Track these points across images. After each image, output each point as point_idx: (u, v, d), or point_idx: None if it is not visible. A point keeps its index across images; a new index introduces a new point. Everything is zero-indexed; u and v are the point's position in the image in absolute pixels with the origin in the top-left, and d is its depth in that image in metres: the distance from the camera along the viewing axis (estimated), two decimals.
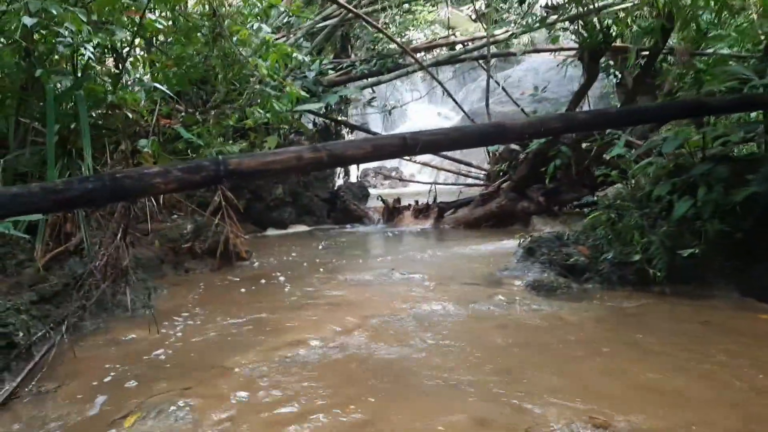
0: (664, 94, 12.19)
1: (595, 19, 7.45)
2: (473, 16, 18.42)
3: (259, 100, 5.93)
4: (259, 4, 5.29)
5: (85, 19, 3.67)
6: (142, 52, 5.65)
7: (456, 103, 9.87)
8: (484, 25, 10.69)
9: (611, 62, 11.85)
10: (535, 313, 3.81)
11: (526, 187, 7.93)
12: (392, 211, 9.04)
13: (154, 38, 5.62)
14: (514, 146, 8.03)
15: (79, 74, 4.40)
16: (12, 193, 2.30)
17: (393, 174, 17.55)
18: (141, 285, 4.31)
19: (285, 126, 7.05)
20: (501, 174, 8.35)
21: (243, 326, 3.65)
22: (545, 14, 12.04)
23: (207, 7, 5.29)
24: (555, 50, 9.80)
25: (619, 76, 12.02)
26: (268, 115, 6.00)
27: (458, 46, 12.28)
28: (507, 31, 9.99)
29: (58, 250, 3.80)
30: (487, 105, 9.13)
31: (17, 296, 3.33)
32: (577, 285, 4.61)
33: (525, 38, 10.67)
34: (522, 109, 11.80)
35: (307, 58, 8.93)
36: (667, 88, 12.26)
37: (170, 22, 5.46)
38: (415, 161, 14.33)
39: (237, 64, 5.42)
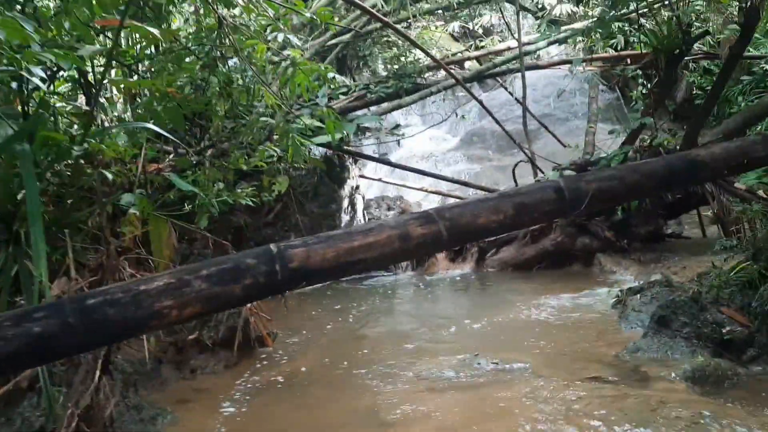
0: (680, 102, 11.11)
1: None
2: (454, 34, 17.39)
3: (269, 134, 4.64)
4: (270, 11, 4.00)
5: (32, 31, 2.34)
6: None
7: (497, 121, 8.56)
8: (514, 36, 9.57)
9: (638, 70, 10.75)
10: None
11: (588, 219, 6.67)
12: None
13: (137, 60, 4.33)
14: (568, 172, 6.77)
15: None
16: None
17: (397, 203, 16.25)
18: (134, 415, 2.95)
19: (299, 164, 5.76)
20: None
21: None
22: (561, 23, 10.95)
23: (207, 19, 4.01)
24: (592, 59, 8.63)
25: (643, 85, 10.92)
26: (284, 153, 4.70)
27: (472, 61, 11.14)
28: (531, 42, 8.82)
29: (4, 389, 2.43)
30: (524, 125, 7.89)
31: None
32: (744, 369, 3.32)
33: (550, 49, 9.50)
34: (545, 127, 10.58)
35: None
36: (682, 96, 11.19)
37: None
38: (426, 190, 13.06)
39: (245, 91, 4.12)
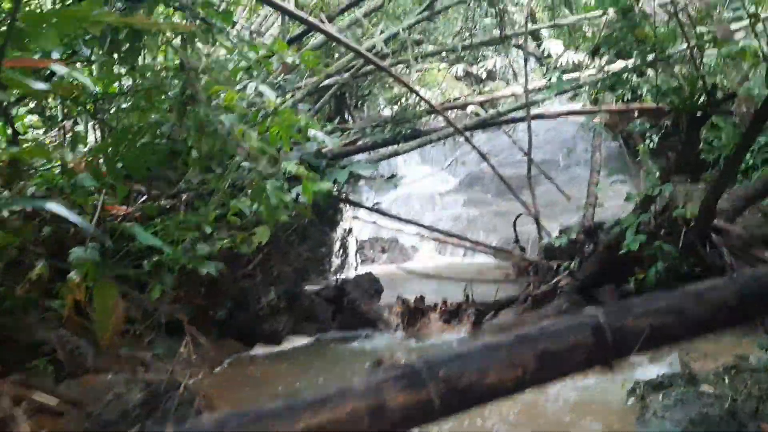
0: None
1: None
2: (459, 76, 17.05)
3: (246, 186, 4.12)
4: (252, 53, 3.52)
5: None
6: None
7: (497, 173, 8.11)
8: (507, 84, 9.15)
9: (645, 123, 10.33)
10: None
11: (596, 287, 6.13)
12: (413, 313, 7.14)
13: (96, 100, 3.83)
14: (577, 235, 6.26)
15: None
16: None
17: (392, 245, 15.66)
18: None
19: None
20: (558, 268, 6.52)
21: None
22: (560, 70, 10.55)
23: (173, 58, 3.53)
24: (600, 111, 8.19)
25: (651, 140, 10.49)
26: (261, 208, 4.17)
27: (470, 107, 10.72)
28: (541, 89, 8.39)
29: None
30: (529, 178, 7.40)
31: None
32: None
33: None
34: (548, 177, 10.17)
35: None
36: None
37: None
38: (422, 236, 12.56)
39: (217, 139, 3.61)
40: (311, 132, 3.73)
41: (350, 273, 11.83)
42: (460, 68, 11.73)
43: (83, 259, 3.52)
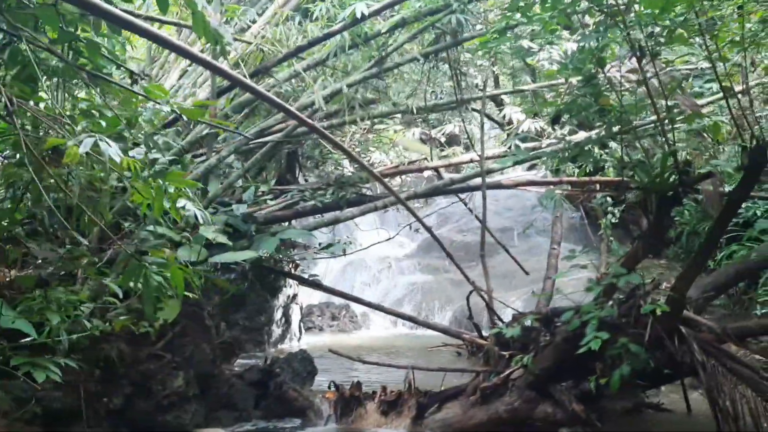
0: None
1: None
2: (424, 138, 16.66)
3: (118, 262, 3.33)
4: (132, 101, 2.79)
5: None
6: None
7: (437, 240, 7.44)
8: (467, 150, 8.66)
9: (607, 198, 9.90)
10: None
11: (551, 383, 5.40)
12: (348, 402, 6.29)
13: None
14: (532, 323, 5.57)
15: None
16: None
17: (342, 312, 14.73)
18: None
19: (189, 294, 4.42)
20: (510, 358, 5.78)
21: None
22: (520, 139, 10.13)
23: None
24: (555, 183, 7.70)
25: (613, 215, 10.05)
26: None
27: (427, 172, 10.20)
28: (496, 156, 7.89)
29: None
30: (482, 251, 6.74)
31: None
32: None
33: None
34: (506, 250, 9.65)
35: (239, 183, 6.44)
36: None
37: None
38: (371, 305, 11.75)
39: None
40: (182, 202, 2.98)
41: (293, 344, 10.93)
42: (417, 133, 11.24)
43: None
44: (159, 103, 2.78)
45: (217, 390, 5.92)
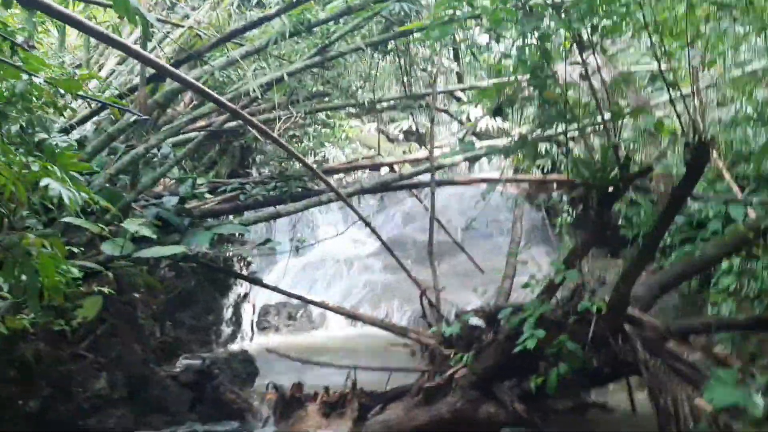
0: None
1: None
2: (391, 135, 16.50)
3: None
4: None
5: None
6: None
7: (380, 238, 7.25)
8: (421, 146, 8.50)
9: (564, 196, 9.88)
10: None
11: (494, 382, 5.26)
12: (289, 403, 6.06)
13: None
14: (476, 321, 5.41)
15: None
16: None
17: (300, 314, 14.41)
18: None
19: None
20: (453, 357, 5.62)
21: None
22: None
23: None
24: (514, 181, 7.58)
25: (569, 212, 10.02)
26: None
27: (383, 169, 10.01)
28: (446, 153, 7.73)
29: None
30: (430, 247, 6.58)
31: None
32: None
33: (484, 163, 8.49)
34: (461, 248, 9.60)
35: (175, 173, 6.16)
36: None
37: None
38: (327, 307, 11.48)
39: None
40: (45, 181, 2.70)
41: (244, 344, 10.59)
42: (374, 128, 11.08)
43: None
44: (34, 75, 2.52)
45: (148, 392, 5.63)
